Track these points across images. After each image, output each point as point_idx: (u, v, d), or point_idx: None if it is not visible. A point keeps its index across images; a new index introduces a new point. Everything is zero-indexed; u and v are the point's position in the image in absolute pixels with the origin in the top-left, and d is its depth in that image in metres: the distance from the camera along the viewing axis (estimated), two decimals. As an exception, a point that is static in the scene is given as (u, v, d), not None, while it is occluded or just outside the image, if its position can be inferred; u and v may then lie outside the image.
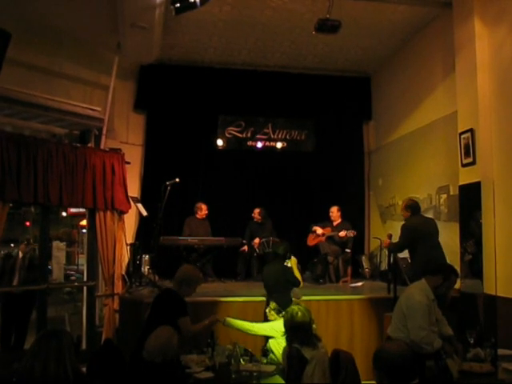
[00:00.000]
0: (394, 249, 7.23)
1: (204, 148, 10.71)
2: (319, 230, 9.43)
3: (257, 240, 9.68)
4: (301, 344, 4.31)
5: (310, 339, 4.40)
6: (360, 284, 8.75)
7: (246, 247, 9.77)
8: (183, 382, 4.32)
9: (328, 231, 9.33)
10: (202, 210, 9.74)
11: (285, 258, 6.73)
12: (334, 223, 9.44)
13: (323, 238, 9.33)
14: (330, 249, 9.16)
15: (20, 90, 7.26)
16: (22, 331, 7.86)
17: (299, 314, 4.47)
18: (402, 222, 9.00)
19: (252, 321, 5.73)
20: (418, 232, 6.75)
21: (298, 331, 4.40)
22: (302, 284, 6.64)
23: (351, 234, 8.95)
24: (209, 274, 9.47)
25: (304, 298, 6.48)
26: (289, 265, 7.09)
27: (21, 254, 8.20)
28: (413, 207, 7.03)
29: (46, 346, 3.25)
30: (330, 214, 9.53)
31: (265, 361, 5.08)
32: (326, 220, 9.58)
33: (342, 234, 9.00)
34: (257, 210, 9.98)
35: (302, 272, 9.63)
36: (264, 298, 6.96)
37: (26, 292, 7.71)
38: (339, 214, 9.44)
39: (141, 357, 3.98)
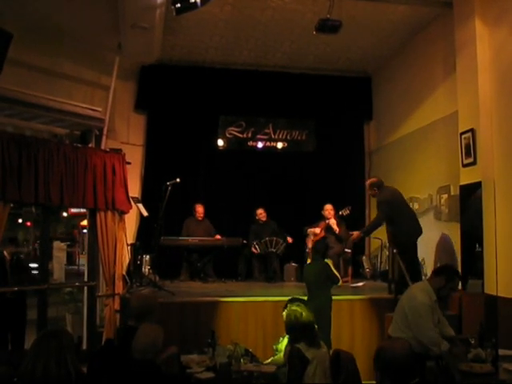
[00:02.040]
0: (373, 226, 7.92)
1: (205, 148, 10.72)
2: (317, 230, 9.42)
3: (254, 250, 9.69)
4: (308, 344, 4.30)
5: (315, 338, 4.41)
6: (361, 284, 8.75)
7: (254, 249, 9.76)
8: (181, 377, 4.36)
9: (323, 225, 9.30)
10: (197, 212, 9.82)
11: (324, 256, 6.70)
12: (327, 221, 9.36)
13: (322, 234, 9.29)
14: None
15: (21, 90, 7.26)
16: (19, 334, 7.78)
17: (303, 314, 4.48)
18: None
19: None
20: (394, 202, 7.48)
21: (304, 331, 4.40)
22: (340, 282, 6.62)
23: (347, 211, 8.84)
24: (209, 274, 9.50)
25: (304, 298, 6.45)
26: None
27: (7, 256, 8.08)
28: (378, 184, 7.74)
29: (47, 346, 3.25)
30: (326, 212, 9.38)
31: (269, 360, 5.08)
32: (319, 220, 9.51)
33: (333, 222, 8.99)
34: (260, 211, 10.02)
35: (302, 274, 9.66)
36: (265, 299, 7.00)
37: (17, 294, 7.65)
38: (333, 212, 9.36)
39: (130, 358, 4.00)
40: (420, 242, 8.56)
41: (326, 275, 6.38)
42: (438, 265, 7.54)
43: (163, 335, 4.24)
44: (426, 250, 8.32)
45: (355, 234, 8.00)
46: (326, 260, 6.63)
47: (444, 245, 7.93)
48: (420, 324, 4.51)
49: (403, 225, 7.40)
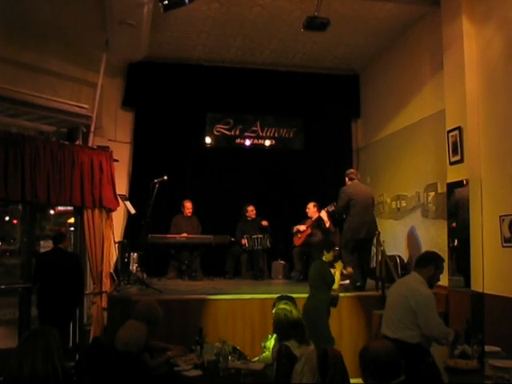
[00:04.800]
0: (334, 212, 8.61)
1: (192, 146, 10.70)
2: (302, 228, 9.48)
3: (244, 241, 9.69)
4: (299, 342, 4.30)
5: (305, 336, 4.41)
6: (348, 282, 8.76)
7: (245, 241, 9.71)
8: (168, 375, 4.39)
9: (309, 223, 9.38)
10: (187, 208, 9.79)
11: (329, 250, 6.66)
12: (313, 219, 9.45)
13: (309, 231, 9.37)
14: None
15: (7, 87, 7.22)
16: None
17: (293, 311, 4.47)
18: (391, 220, 9.16)
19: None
20: (353, 196, 7.91)
21: (295, 328, 4.38)
22: (336, 286, 6.48)
23: (332, 207, 8.89)
24: (197, 271, 9.47)
25: (293, 295, 6.42)
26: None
27: None
28: (351, 176, 8.27)
29: (33, 344, 3.24)
30: (307, 210, 9.53)
31: (257, 358, 5.08)
32: (306, 218, 9.58)
33: (323, 214, 9.06)
34: (251, 207, 10.01)
35: (289, 271, 9.70)
36: (253, 296, 7.00)
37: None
38: (315, 209, 9.43)
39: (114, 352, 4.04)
40: (407, 238, 8.62)
41: (320, 275, 6.39)
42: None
43: (146, 331, 4.31)
44: (414, 247, 8.37)
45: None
46: (336, 264, 6.56)
47: (411, 236, 8.68)
48: (430, 317, 4.37)
49: (349, 221, 7.91)
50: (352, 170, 8.56)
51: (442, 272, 4.78)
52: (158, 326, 4.92)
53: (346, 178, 8.33)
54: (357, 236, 7.82)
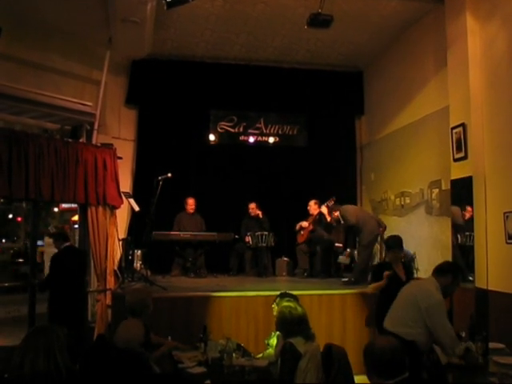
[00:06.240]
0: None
1: (196, 143, 10.69)
2: (304, 224, 9.52)
3: (248, 238, 9.69)
4: (305, 338, 4.29)
5: (310, 332, 4.41)
6: (353, 279, 8.77)
7: (248, 238, 9.71)
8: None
9: (311, 219, 9.43)
10: (189, 205, 9.79)
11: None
12: (314, 215, 9.52)
13: (311, 227, 9.42)
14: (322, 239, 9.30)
15: (10, 84, 7.22)
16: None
17: (297, 308, 4.46)
18: (395, 217, 9.17)
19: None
20: (355, 213, 8.56)
21: (300, 325, 4.38)
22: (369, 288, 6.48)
23: (331, 202, 8.97)
24: (201, 268, 9.48)
25: (296, 292, 6.41)
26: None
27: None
28: (335, 206, 8.94)
29: (34, 342, 3.24)
30: (308, 207, 9.64)
31: (261, 355, 5.08)
32: (309, 216, 9.63)
33: (323, 208, 9.16)
34: (253, 205, 9.97)
35: (293, 268, 9.71)
36: (257, 293, 7.00)
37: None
38: (316, 206, 9.50)
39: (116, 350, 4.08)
40: (411, 236, 8.63)
41: None
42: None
43: (143, 330, 4.33)
44: (417, 245, 8.37)
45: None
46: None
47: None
48: (441, 322, 4.33)
49: (372, 224, 8.37)
50: (332, 202, 9.17)
51: (458, 285, 4.74)
52: (150, 310, 4.88)
53: (336, 210, 8.78)
54: (378, 231, 8.37)
